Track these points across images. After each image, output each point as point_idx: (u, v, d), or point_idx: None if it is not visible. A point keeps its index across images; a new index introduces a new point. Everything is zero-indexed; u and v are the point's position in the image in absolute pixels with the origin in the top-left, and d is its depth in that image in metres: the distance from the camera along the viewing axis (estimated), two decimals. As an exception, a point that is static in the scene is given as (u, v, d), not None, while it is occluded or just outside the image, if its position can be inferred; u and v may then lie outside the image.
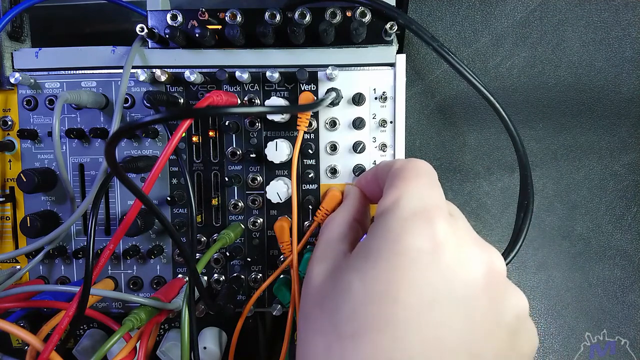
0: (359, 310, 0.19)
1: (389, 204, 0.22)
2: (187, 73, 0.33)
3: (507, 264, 0.33)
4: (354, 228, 0.27)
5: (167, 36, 0.33)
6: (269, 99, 0.34)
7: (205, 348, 0.36)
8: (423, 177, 0.23)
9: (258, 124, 0.35)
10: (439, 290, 0.19)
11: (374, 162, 0.35)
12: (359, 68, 0.35)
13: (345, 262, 0.22)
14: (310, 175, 0.35)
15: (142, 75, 0.33)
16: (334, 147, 0.35)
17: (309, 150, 0.35)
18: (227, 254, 0.36)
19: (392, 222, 0.21)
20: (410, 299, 0.18)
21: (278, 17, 0.32)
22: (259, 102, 0.35)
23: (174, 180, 0.36)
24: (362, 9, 0.32)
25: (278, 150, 0.33)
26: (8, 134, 0.36)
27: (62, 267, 0.37)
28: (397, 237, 0.20)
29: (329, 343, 0.19)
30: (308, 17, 0.32)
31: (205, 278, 0.37)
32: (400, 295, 0.18)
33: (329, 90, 0.34)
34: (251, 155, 0.35)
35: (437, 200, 0.22)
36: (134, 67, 0.34)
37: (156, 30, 0.34)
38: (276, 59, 0.34)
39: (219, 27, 0.33)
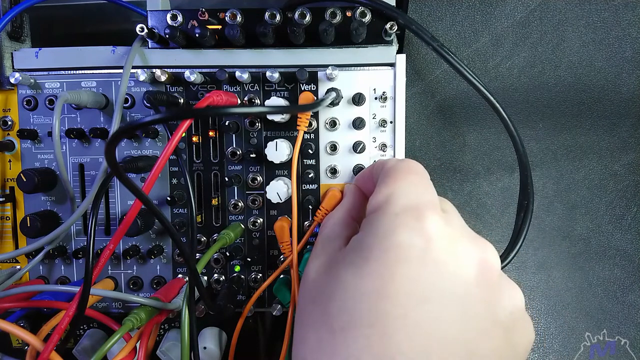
0: (351, 305, 0.19)
1: (381, 201, 0.22)
2: (187, 73, 0.33)
3: (507, 264, 0.33)
4: (350, 225, 0.28)
5: (167, 36, 0.33)
6: (269, 99, 0.34)
7: (205, 348, 0.36)
8: (414, 175, 0.24)
9: (258, 124, 0.35)
10: (430, 286, 0.19)
11: (374, 162, 0.35)
12: (359, 68, 0.35)
13: (340, 257, 0.22)
14: (310, 175, 0.35)
15: (142, 75, 0.33)
16: (334, 147, 0.35)
17: (309, 150, 0.35)
18: (227, 254, 0.36)
19: (383, 218, 0.21)
20: (401, 295, 0.18)
21: (278, 17, 0.32)
22: (259, 102, 0.35)
23: (174, 180, 0.36)
24: (362, 9, 0.32)
25: (278, 150, 0.33)
26: (8, 134, 0.36)
27: (62, 267, 0.37)
28: (388, 233, 0.20)
29: (320, 336, 0.19)
30: (308, 17, 0.32)
31: (205, 278, 0.37)
32: (391, 291, 0.18)
33: (329, 90, 0.34)
34: (251, 155, 0.35)
35: (428, 196, 0.22)
36: (134, 67, 0.34)
37: (156, 30, 0.34)
38: (276, 59, 0.34)
39: (219, 27, 0.33)
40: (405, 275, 0.19)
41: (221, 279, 0.37)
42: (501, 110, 0.33)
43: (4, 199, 0.36)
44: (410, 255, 0.19)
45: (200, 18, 0.33)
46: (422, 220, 0.20)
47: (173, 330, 0.38)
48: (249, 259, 0.37)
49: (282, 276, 0.36)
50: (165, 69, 0.34)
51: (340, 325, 0.19)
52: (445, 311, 0.18)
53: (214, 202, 0.36)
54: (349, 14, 0.33)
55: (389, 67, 0.35)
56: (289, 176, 0.35)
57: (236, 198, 0.36)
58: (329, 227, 0.28)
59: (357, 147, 0.35)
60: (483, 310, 0.19)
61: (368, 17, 0.33)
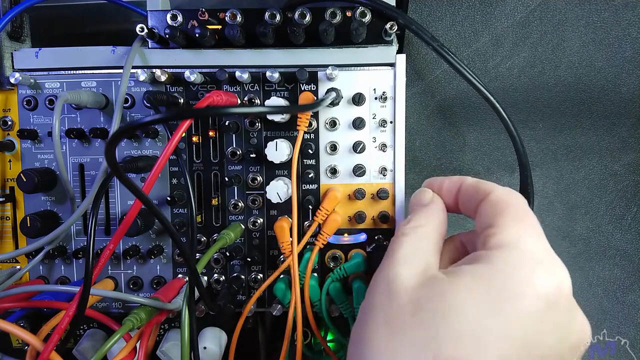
0: (472, 339, 0.19)
1: (512, 240, 0.22)
2: (187, 73, 0.33)
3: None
4: (440, 243, 0.26)
5: (167, 36, 0.33)
6: (269, 99, 0.34)
7: (205, 348, 0.36)
8: (532, 213, 0.24)
9: (258, 124, 0.35)
10: (552, 341, 0.20)
11: (374, 162, 0.35)
12: (359, 68, 0.35)
13: (451, 278, 0.21)
14: (310, 175, 0.35)
15: (142, 75, 0.33)
16: (334, 147, 0.35)
17: (309, 150, 0.35)
18: (227, 254, 0.36)
19: (521, 260, 0.21)
20: (546, 345, 0.20)
21: (278, 17, 0.32)
22: (259, 102, 0.35)
23: (174, 180, 0.36)
24: (362, 9, 0.32)
25: (278, 150, 0.33)
26: (8, 134, 0.36)
27: (62, 267, 0.37)
28: (526, 278, 0.20)
29: (424, 357, 0.19)
30: (308, 17, 0.32)
31: (205, 278, 0.37)
32: (536, 341, 0.19)
33: (329, 90, 0.34)
34: (251, 155, 0.35)
35: (547, 243, 0.23)
36: (134, 67, 0.34)
37: (156, 30, 0.34)
38: (276, 59, 0.34)
39: (219, 27, 0.33)
40: (531, 325, 0.20)
41: (221, 279, 0.37)
42: (501, 110, 0.33)
43: (4, 199, 0.36)
44: (543, 306, 0.20)
45: (200, 18, 0.33)
46: (559, 272, 0.21)
47: (173, 330, 0.38)
48: (249, 259, 0.37)
49: (282, 276, 0.36)
50: (165, 69, 0.34)
51: (455, 355, 0.19)
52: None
53: (214, 202, 0.36)
54: (349, 14, 0.33)
55: (389, 67, 0.35)
56: (289, 176, 0.35)
57: (236, 198, 0.36)
58: (423, 236, 0.25)
59: (357, 147, 0.35)
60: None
61: (368, 17, 0.33)
